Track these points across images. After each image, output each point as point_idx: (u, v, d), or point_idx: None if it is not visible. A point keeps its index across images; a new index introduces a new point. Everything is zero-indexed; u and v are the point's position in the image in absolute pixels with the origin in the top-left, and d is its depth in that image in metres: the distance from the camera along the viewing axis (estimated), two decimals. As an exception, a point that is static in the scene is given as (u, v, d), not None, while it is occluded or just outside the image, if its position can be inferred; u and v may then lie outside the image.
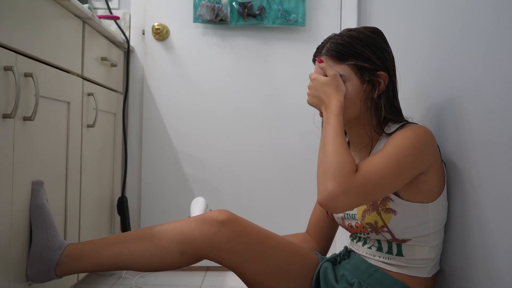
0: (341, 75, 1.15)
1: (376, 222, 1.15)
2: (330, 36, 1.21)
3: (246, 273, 1.20)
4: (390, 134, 1.15)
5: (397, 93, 1.21)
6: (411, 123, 1.17)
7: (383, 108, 1.16)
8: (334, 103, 1.12)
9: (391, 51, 1.21)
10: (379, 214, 1.14)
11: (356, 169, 1.05)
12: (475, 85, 1.05)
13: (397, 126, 1.16)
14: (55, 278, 1.23)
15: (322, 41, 1.22)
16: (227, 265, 1.20)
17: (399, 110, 1.21)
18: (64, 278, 1.28)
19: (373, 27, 1.21)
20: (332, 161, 1.05)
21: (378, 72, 1.16)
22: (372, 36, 1.18)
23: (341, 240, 2.19)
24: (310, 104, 1.19)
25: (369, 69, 1.15)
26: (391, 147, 1.07)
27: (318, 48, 1.22)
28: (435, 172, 1.12)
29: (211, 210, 1.26)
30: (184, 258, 1.19)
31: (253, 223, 1.22)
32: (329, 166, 1.05)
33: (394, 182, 1.06)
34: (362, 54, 1.15)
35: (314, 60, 1.23)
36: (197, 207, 1.33)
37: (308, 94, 1.19)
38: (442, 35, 1.28)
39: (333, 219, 1.35)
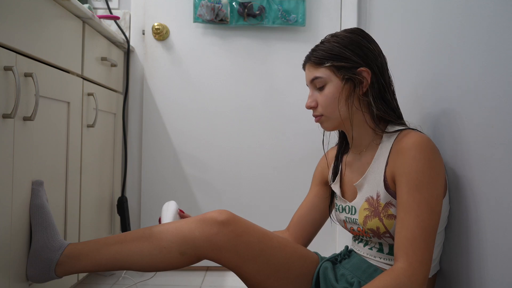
0: (320, 78, 1.18)
1: (378, 228, 1.14)
2: (316, 44, 1.24)
3: (247, 273, 1.20)
4: (391, 133, 1.15)
5: (389, 89, 1.20)
6: (410, 129, 1.15)
7: (373, 104, 1.16)
8: None
9: (375, 47, 1.20)
10: (381, 220, 1.13)
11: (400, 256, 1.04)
12: (475, 85, 1.05)
13: (396, 129, 1.16)
14: (55, 278, 1.23)
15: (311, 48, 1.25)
16: (227, 265, 1.20)
17: (393, 106, 1.20)
18: (64, 278, 1.29)
19: (354, 28, 1.23)
20: None
21: (359, 69, 1.16)
22: (350, 36, 1.19)
23: (341, 240, 2.19)
24: None
25: (348, 68, 1.16)
26: (414, 192, 1.05)
27: (306, 56, 1.25)
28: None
29: (181, 211, 1.28)
30: (184, 258, 1.19)
31: (253, 223, 1.22)
32: None
33: (437, 225, 1.06)
34: (339, 55, 1.17)
35: (303, 68, 1.26)
36: (168, 211, 1.33)
37: None
38: (442, 34, 1.28)
39: (328, 214, 1.36)
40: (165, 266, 1.22)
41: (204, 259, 1.20)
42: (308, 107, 1.22)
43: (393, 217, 1.12)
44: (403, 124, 1.19)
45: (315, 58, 1.20)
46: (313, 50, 1.22)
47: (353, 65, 1.17)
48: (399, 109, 1.22)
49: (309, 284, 1.23)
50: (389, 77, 1.21)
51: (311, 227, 1.39)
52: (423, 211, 1.04)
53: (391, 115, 1.18)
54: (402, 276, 1.01)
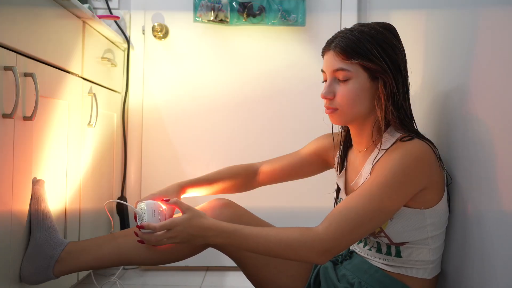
0: (347, 71, 1.11)
1: None
2: (341, 30, 1.17)
3: (246, 258, 1.22)
4: (393, 137, 1.13)
5: (407, 94, 1.15)
6: (410, 138, 1.09)
7: (389, 108, 1.11)
8: (211, 229, 1.09)
9: (403, 49, 1.16)
10: None
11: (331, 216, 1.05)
12: (480, 84, 1.05)
13: (396, 137, 1.12)
14: (51, 278, 1.21)
15: (334, 34, 1.17)
16: (228, 250, 1.23)
17: (407, 112, 1.15)
18: (63, 278, 1.28)
19: (386, 23, 1.16)
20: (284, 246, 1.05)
21: (387, 71, 1.11)
22: (383, 32, 1.13)
23: (341, 240, 2.19)
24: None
25: (376, 68, 1.11)
26: (375, 185, 1.05)
27: (328, 41, 1.18)
28: (431, 187, 1.09)
29: (161, 209, 1.19)
30: (190, 246, 1.22)
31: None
32: (288, 250, 1.05)
33: (375, 223, 1.06)
34: (370, 52, 1.10)
35: (323, 54, 1.19)
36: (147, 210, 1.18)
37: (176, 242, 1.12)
38: (443, 34, 1.28)
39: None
40: (169, 257, 1.23)
41: (207, 246, 1.23)
42: (324, 98, 1.15)
43: None
44: (413, 131, 1.14)
45: (341, 48, 1.12)
46: (339, 37, 1.13)
47: (382, 65, 1.10)
48: (412, 113, 1.17)
49: (307, 274, 1.24)
50: (408, 81, 1.16)
51: (278, 179, 1.44)
52: (371, 204, 1.04)
53: (407, 121, 1.14)
54: (311, 235, 1.04)
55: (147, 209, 1.16)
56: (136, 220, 1.17)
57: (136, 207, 1.18)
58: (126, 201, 2.07)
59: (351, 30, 1.14)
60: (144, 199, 1.21)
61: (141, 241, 1.16)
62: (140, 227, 1.13)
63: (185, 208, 1.13)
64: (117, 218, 2.05)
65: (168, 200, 1.19)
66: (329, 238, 1.03)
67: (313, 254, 1.04)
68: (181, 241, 1.11)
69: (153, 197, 1.24)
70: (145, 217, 1.15)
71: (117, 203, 2.03)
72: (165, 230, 1.10)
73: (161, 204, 1.21)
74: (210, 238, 1.09)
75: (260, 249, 1.07)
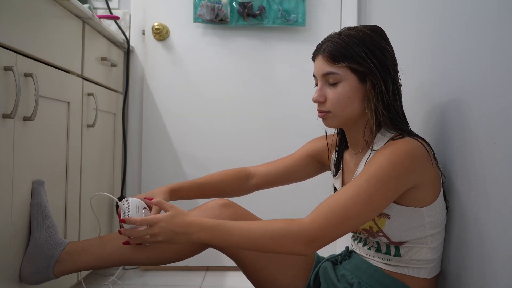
0: (336, 74, 1.13)
1: (371, 228, 1.15)
2: (330, 34, 1.18)
3: (246, 258, 1.22)
4: (385, 137, 1.13)
5: (398, 94, 1.16)
6: (401, 136, 1.10)
7: (379, 109, 1.12)
8: (193, 225, 1.08)
9: (392, 50, 1.17)
10: (373, 219, 1.13)
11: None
12: (480, 85, 1.05)
13: (389, 137, 1.13)
14: (51, 278, 1.21)
15: (323, 39, 1.19)
16: (228, 251, 1.23)
17: (399, 112, 1.16)
18: (63, 278, 1.28)
19: (373, 25, 1.18)
20: (268, 239, 1.04)
21: (375, 72, 1.12)
22: (371, 34, 1.14)
23: (341, 241, 2.19)
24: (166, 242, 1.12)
25: (364, 70, 1.11)
26: (364, 179, 1.05)
27: (317, 46, 1.20)
28: (424, 184, 1.09)
29: (146, 207, 1.21)
30: (189, 245, 1.23)
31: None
32: (274, 243, 1.04)
33: (363, 218, 1.05)
34: (357, 55, 1.11)
35: (313, 58, 1.21)
36: (131, 207, 1.20)
37: (162, 240, 1.11)
38: (444, 35, 1.28)
39: None
40: (169, 257, 1.24)
41: (208, 245, 1.23)
42: (316, 101, 1.17)
43: (384, 215, 1.11)
44: (405, 130, 1.14)
45: (329, 52, 1.14)
46: (328, 42, 1.15)
47: (369, 67, 1.11)
48: (404, 114, 1.18)
49: (306, 275, 1.24)
50: (399, 82, 1.17)
51: (273, 183, 1.44)
52: (359, 198, 1.03)
53: (398, 121, 1.14)
54: (296, 226, 1.03)
55: (131, 204, 1.17)
56: (119, 216, 1.17)
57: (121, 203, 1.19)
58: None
59: (339, 34, 1.16)
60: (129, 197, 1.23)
61: (126, 243, 1.18)
62: (122, 221, 1.13)
63: (168, 206, 1.13)
64: (117, 218, 2.04)
65: (152, 199, 1.19)
66: (315, 228, 1.02)
67: (299, 244, 1.03)
68: (164, 239, 1.10)
69: (138, 197, 1.25)
70: (128, 212, 1.16)
71: (117, 204, 2.02)
72: (147, 226, 1.10)
73: (146, 205, 1.22)
74: (193, 235, 1.08)
75: (245, 243, 1.06)
